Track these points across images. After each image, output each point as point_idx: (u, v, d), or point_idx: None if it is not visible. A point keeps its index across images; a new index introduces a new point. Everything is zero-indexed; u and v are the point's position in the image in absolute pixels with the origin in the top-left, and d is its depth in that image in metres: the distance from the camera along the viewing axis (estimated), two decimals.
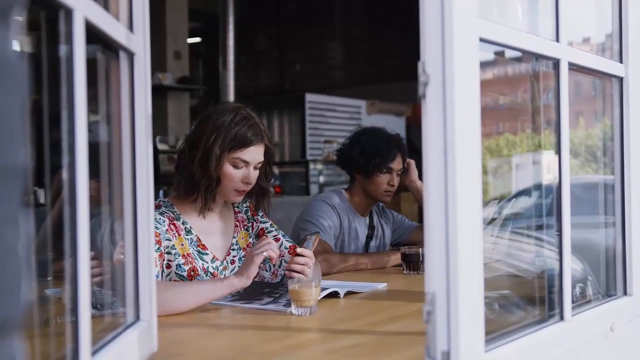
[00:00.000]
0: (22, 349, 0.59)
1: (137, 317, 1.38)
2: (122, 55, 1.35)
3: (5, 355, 0.56)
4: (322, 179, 7.72)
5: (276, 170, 7.85)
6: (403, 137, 3.28)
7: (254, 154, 2.23)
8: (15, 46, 0.59)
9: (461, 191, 1.17)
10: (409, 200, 6.84)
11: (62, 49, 1.02)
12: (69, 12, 1.00)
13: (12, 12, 0.58)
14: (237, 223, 2.40)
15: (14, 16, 0.59)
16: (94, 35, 1.12)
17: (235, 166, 2.21)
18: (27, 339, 0.63)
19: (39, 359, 1.17)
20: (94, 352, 1.11)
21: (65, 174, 1.04)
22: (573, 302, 1.57)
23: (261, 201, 2.37)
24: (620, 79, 1.83)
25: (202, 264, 2.23)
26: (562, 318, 1.53)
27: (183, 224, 2.24)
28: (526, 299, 1.76)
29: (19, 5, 0.60)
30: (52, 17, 1.01)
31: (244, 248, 2.38)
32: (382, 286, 2.37)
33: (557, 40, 1.53)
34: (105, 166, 1.37)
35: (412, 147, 6.26)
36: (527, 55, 1.61)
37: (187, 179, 2.22)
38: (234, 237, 2.37)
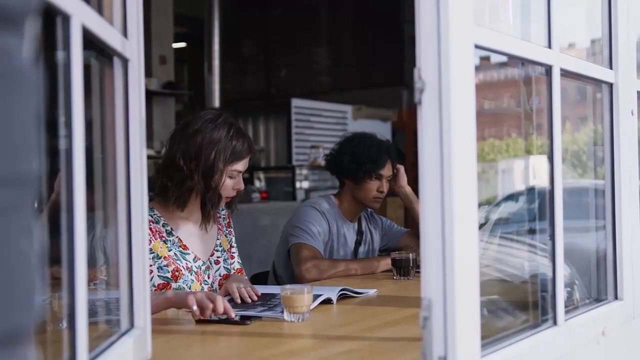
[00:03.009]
0: (36, 357, 0.59)
1: (132, 325, 1.37)
2: (116, 61, 1.34)
3: None
4: (308, 184, 7.71)
5: (262, 175, 7.84)
6: (390, 141, 3.28)
7: (246, 163, 2.35)
8: (29, 54, 0.59)
9: (457, 197, 1.17)
10: (394, 205, 6.85)
11: (59, 55, 1.02)
12: (66, 18, 1.00)
13: (25, 20, 0.58)
14: (220, 226, 2.48)
15: (28, 23, 0.58)
16: (89, 41, 1.11)
17: (231, 177, 2.31)
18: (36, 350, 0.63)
19: None
20: None
21: (58, 181, 1.03)
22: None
23: (235, 198, 2.42)
24: (610, 85, 1.85)
25: (186, 264, 2.28)
26: (555, 323, 1.54)
27: (163, 226, 2.30)
28: (516, 304, 1.77)
29: (32, 13, 0.60)
30: (49, 23, 1.01)
31: (227, 250, 2.46)
32: (372, 292, 2.37)
33: (549, 46, 1.54)
34: (98, 172, 1.37)
35: (398, 152, 6.27)
36: (514, 61, 1.62)
37: (187, 192, 2.27)
38: (218, 239, 2.44)
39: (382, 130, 7.87)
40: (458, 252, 1.17)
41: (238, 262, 2.54)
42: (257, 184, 7.60)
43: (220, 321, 1.88)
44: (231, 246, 2.53)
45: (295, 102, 8.34)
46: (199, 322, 1.89)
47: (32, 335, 0.58)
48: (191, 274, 2.27)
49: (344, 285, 2.39)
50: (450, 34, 1.16)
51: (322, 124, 8.49)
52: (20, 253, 0.56)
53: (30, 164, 0.58)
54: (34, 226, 0.59)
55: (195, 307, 1.83)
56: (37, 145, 0.59)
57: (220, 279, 2.39)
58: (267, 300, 2.15)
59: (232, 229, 2.56)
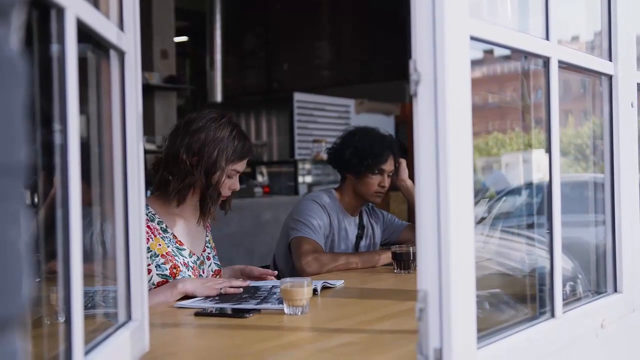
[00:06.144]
0: (23, 346, 0.59)
1: (129, 317, 1.38)
2: (113, 55, 1.34)
3: (7, 352, 0.56)
4: (311, 178, 7.71)
5: (264, 170, 7.85)
6: (393, 136, 3.28)
7: (245, 164, 2.40)
8: (15, 45, 0.59)
9: (453, 189, 1.17)
10: (397, 200, 6.86)
11: (54, 48, 1.02)
12: (60, 11, 1.00)
13: (12, 10, 0.58)
14: (208, 225, 2.52)
15: (14, 15, 0.59)
16: (84, 34, 1.11)
17: (229, 176, 2.35)
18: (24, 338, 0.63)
19: None
20: (87, 352, 1.10)
21: (55, 175, 1.03)
22: (563, 299, 1.58)
23: (229, 199, 2.45)
24: (610, 77, 1.84)
25: (183, 260, 2.31)
26: (553, 315, 1.54)
27: (158, 223, 2.32)
28: (517, 297, 1.77)
29: (19, 3, 0.60)
30: (43, 15, 1.01)
31: (213, 247, 2.52)
32: (339, 283, 2.39)
33: (547, 38, 1.54)
34: (95, 167, 1.37)
35: (401, 147, 6.26)
36: (516, 54, 1.62)
37: (187, 188, 2.30)
38: (207, 237, 2.49)
39: (385, 124, 7.87)
40: (454, 243, 1.17)
41: (216, 263, 2.55)
42: (260, 178, 7.61)
43: (219, 314, 1.89)
44: (214, 246, 2.56)
45: (298, 97, 8.33)
46: (197, 315, 1.90)
47: (20, 323, 0.58)
48: (188, 270, 2.30)
49: (344, 278, 2.40)
50: (446, 26, 1.16)
51: (324, 118, 8.49)
52: (8, 242, 0.56)
53: (18, 154, 0.58)
54: (23, 215, 0.59)
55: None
56: (25, 135, 0.60)
57: (212, 275, 2.42)
58: (254, 293, 2.15)
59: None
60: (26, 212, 0.60)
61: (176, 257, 2.29)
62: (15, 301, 0.57)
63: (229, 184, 2.36)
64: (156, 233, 2.28)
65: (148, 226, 2.26)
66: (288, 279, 1.98)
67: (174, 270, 2.26)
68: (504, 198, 2.41)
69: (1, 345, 0.55)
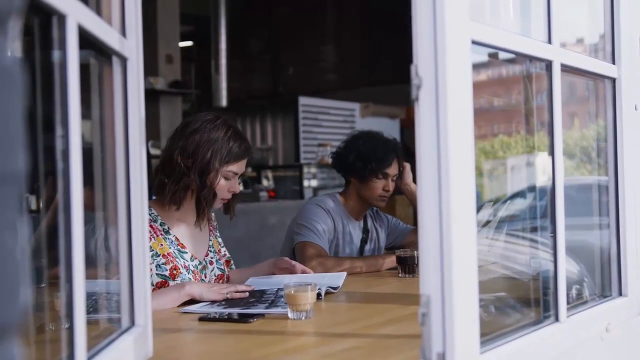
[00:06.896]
0: (20, 353, 0.59)
1: (132, 323, 1.38)
2: (115, 61, 1.35)
3: (5, 358, 0.56)
4: (316, 182, 7.71)
5: (270, 174, 7.85)
6: (397, 140, 3.28)
7: (243, 166, 2.38)
8: (13, 52, 0.60)
9: (455, 193, 1.17)
10: (403, 204, 6.85)
11: (55, 55, 1.02)
12: (62, 18, 1.00)
13: (10, 18, 0.58)
14: (211, 229, 2.52)
15: (11, 22, 0.59)
16: (86, 40, 1.12)
17: (226, 178, 2.34)
18: (23, 346, 0.63)
19: None
20: (89, 358, 1.11)
21: (58, 181, 1.04)
22: (569, 303, 1.57)
23: (232, 203, 2.45)
24: (613, 80, 1.84)
25: (184, 262, 2.32)
26: (557, 319, 1.53)
27: (161, 225, 2.33)
28: (522, 301, 1.76)
29: (16, 11, 0.60)
30: (45, 22, 1.01)
31: (217, 252, 2.50)
32: (342, 276, 2.43)
33: (550, 42, 1.54)
34: (98, 172, 1.37)
35: (406, 150, 6.24)
36: (521, 57, 1.62)
37: (183, 190, 2.30)
38: (210, 240, 2.49)
39: (390, 127, 7.87)
40: (456, 247, 1.17)
41: (220, 267, 2.54)
42: (265, 182, 7.60)
43: (223, 319, 1.89)
44: (221, 246, 2.56)
45: (303, 101, 8.34)
46: (201, 320, 1.89)
47: (18, 330, 0.58)
48: (188, 273, 2.30)
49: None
50: (447, 30, 1.16)
51: (329, 122, 8.49)
52: (5, 249, 0.56)
53: (16, 161, 0.58)
54: (21, 223, 0.59)
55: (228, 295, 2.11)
56: (23, 143, 0.60)
57: (215, 279, 2.42)
58: (260, 297, 2.15)
59: (217, 232, 2.59)
60: (25, 219, 0.60)
61: (177, 259, 2.29)
62: (13, 308, 0.57)
63: (228, 186, 2.34)
64: (158, 233, 2.29)
65: (151, 226, 2.27)
66: (292, 284, 1.97)
67: (174, 272, 2.26)
68: (509, 201, 2.41)
69: None
